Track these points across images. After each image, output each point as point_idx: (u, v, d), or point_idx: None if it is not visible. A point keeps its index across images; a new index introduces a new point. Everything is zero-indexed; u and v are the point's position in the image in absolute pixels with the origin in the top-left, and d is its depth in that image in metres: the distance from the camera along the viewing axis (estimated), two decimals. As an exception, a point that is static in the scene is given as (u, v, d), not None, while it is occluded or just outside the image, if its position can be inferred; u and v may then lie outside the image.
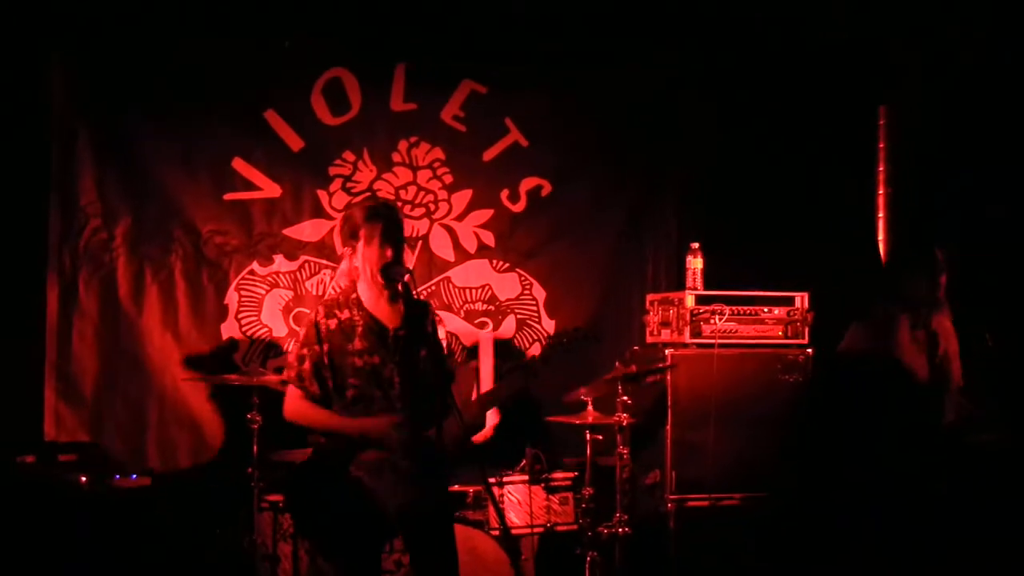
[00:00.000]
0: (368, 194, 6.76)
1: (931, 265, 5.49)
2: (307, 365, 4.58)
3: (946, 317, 5.61)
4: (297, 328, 6.44)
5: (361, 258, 4.58)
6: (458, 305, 7.00)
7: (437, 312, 6.79)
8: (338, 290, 4.81)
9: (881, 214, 7.61)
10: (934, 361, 5.80)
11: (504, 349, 7.01)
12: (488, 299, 7.06)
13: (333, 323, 4.58)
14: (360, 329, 4.58)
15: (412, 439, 4.52)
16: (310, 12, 6.62)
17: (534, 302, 7.14)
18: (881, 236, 7.61)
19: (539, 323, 7.12)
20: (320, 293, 6.62)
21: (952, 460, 5.27)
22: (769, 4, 7.19)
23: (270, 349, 6.63)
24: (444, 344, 6.49)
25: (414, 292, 4.56)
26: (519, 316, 7.11)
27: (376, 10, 6.71)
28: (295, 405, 4.64)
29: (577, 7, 6.95)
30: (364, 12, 6.69)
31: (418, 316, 4.66)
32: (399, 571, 5.44)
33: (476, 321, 7.03)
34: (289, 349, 6.44)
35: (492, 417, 6.27)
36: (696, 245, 6.60)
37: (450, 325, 6.92)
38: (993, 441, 5.42)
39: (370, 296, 4.63)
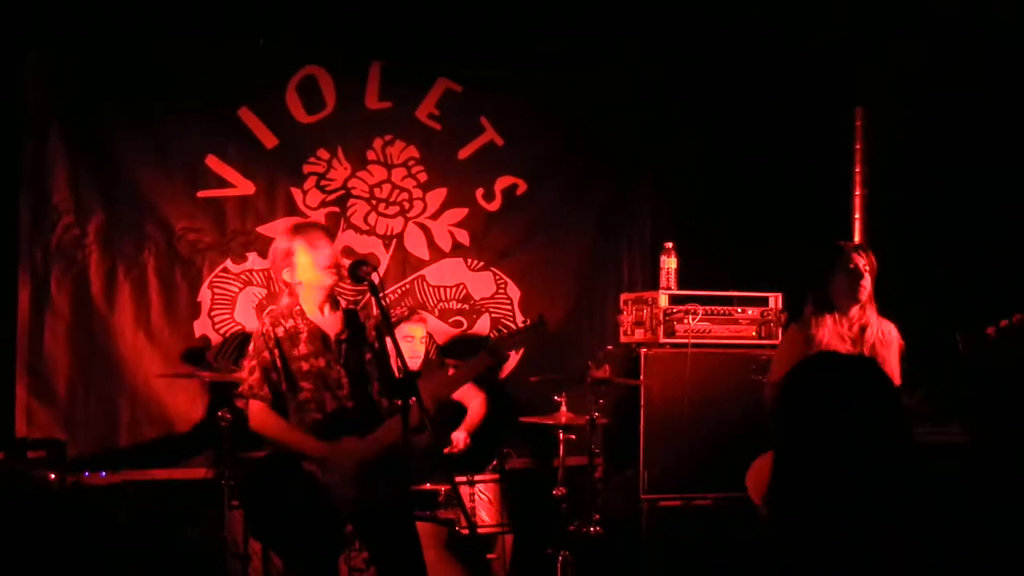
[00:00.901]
0: (321, 197, 6.77)
1: (848, 268, 5.51)
2: (256, 375, 4.73)
3: (872, 317, 5.63)
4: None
5: (298, 271, 4.78)
6: (432, 304, 7.00)
7: (419, 311, 6.76)
8: (280, 305, 4.91)
9: (857, 215, 7.62)
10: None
11: (477, 347, 7.01)
12: (463, 298, 7.06)
13: (280, 331, 4.76)
14: (304, 335, 4.76)
15: (365, 455, 4.64)
16: (284, 10, 6.60)
17: (509, 301, 7.13)
18: (857, 237, 7.62)
19: (513, 322, 7.12)
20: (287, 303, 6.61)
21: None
22: (744, 5, 7.20)
23: (243, 346, 6.57)
24: (422, 345, 6.50)
25: (379, 289, 4.62)
26: (493, 315, 7.11)
27: (351, 8, 6.69)
28: (258, 417, 4.77)
29: (552, 8, 6.94)
30: (339, 10, 6.67)
31: (359, 324, 4.88)
32: (368, 569, 5.43)
33: (451, 320, 7.03)
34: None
35: (461, 434, 6.29)
36: (670, 245, 6.60)
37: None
38: (957, 442, 5.45)
39: (311, 309, 4.81)
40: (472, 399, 6.46)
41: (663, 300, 6.39)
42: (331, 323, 4.81)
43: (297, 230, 4.86)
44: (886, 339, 5.56)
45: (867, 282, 5.47)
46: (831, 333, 5.43)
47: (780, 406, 2.35)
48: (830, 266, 5.52)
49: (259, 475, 4.87)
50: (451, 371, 5.62)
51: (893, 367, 5.54)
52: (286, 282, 4.81)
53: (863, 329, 5.47)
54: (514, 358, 7.03)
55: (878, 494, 2.22)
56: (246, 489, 5.28)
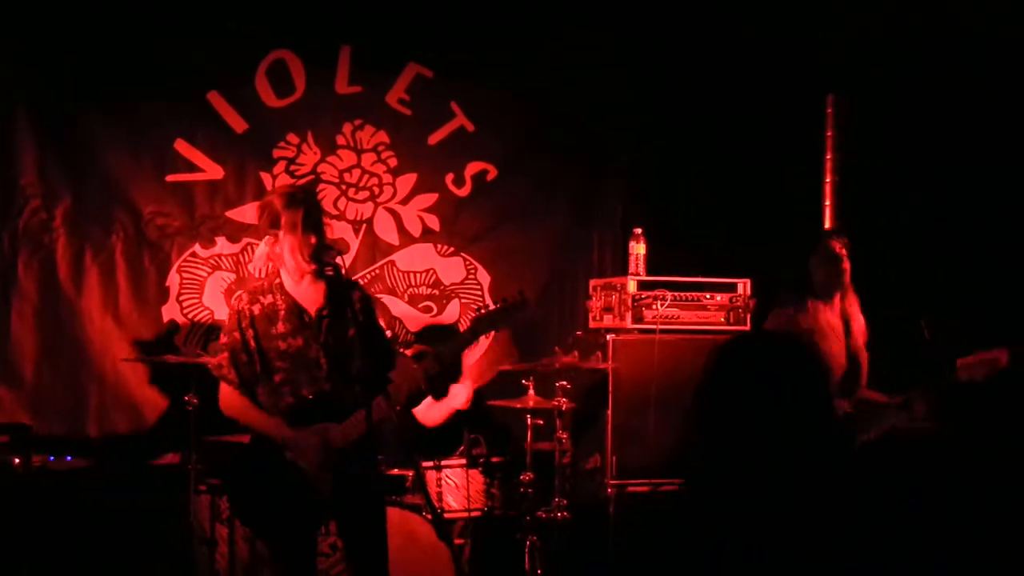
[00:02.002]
0: (292, 182, 6.70)
1: (829, 256, 5.53)
2: (224, 355, 4.66)
3: (854, 304, 5.65)
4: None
5: (284, 245, 4.59)
6: (402, 289, 6.99)
7: (379, 296, 6.79)
8: (261, 276, 4.83)
9: (827, 202, 7.64)
10: (849, 350, 5.88)
11: (447, 335, 7.02)
12: (432, 283, 7.05)
13: (257, 308, 4.64)
14: (283, 312, 4.63)
15: (330, 445, 4.55)
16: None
17: (479, 286, 7.13)
18: (827, 224, 7.63)
19: (483, 307, 7.10)
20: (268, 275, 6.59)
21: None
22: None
23: (211, 331, 6.58)
24: (389, 325, 6.50)
25: (344, 272, 4.59)
26: (463, 300, 7.11)
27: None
28: (227, 400, 4.72)
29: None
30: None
31: (343, 297, 4.70)
32: (335, 554, 5.43)
33: (420, 305, 7.02)
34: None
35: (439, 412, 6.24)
36: (639, 231, 6.60)
37: (394, 309, 6.91)
38: (924, 432, 5.46)
39: (293, 281, 4.66)
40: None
41: (631, 286, 6.38)
42: (312, 297, 4.66)
43: (292, 202, 4.60)
44: (859, 328, 5.61)
45: (847, 266, 5.51)
46: (816, 321, 5.45)
47: (706, 383, 2.35)
48: (812, 252, 5.55)
49: (243, 461, 4.80)
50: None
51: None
52: (267, 244, 4.63)
53: (848, 321, 5.49)
54: (484, 342, 7.02)
55: (799, 476, 2.23)
56: (230, 475, 5.20)
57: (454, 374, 5.58)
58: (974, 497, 2.48)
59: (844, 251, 5.51)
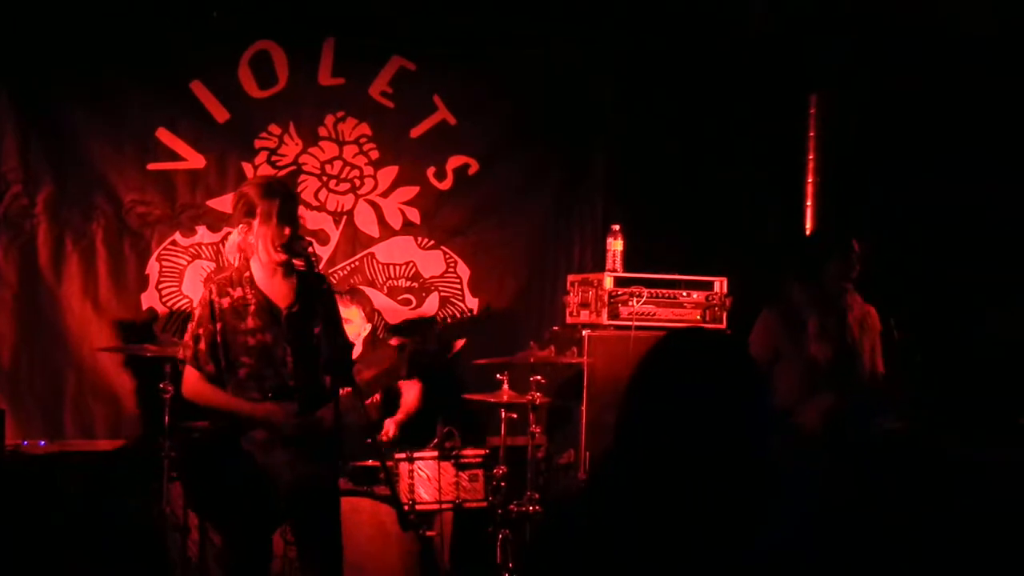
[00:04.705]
0: (273, 172, 6.70)
1: (847, 255, 5.55)
2: (203, 345, 4.61)
3: (858, 303, 5.67)
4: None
5: (257, 236, 4.57)
6: (382, 281, 7.01)
7: (362, 288, 6.81)
8: (231, 266, 4.82)
9: (809, 202, 7.66)
10: (843, 347, 5.87)
11: (425, 327, 7.06)
12: (412, 276, 7.07)
13: (226, 302, 4.60)
14: (252, 308, 4.59)
15: (303, 422, 4.55)
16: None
17: (458, 280, 7.15)
18: (808, 224, 7.66)
19: (463, 301, 7.15)
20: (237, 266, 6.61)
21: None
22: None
23: (190, 320, 6.59)
24: (370, 316, 6.53)
25: (315, 263, 4.58)
26: (443, 294, 7.13)
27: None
28: (192, 385, 4.68)
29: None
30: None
31: (312, 291, 4.67)
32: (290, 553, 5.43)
33: (399, 298, 7.04)
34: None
35: (391, 424, 6.31)
36: (617, 227, 6.63)
37: (374, 301, 6.92)
38: (901, 430, 5.50)
39: (263, 274, 4.64)
40: (408, 389, 6.47)
41: (608, 282, 6.41)
42: (282, 292, 4.63)
43: (269, 193, 4.58)
44: (868, 324, 5.62)
45: (859, 267, 5.55)
46: (814, 320, 5.46)
47: (634, 383, 2.37)
48: (827, 251, 5.56)
49: (198, 450, 4.82)
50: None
51: (877, 352, 5.61)
52: (241, 233, 4.64)
53: (844, 316, 5.51)
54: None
55: (724, 478, 2.24)
56: (185, 462, 5.25)
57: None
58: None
59: (859, 257, 5.54)
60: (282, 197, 4.59)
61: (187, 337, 4.70)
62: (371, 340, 6.49)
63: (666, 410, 2.28)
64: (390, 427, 6.27)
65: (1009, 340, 6.88)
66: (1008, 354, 6.77)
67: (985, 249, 7.17)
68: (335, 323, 4.77)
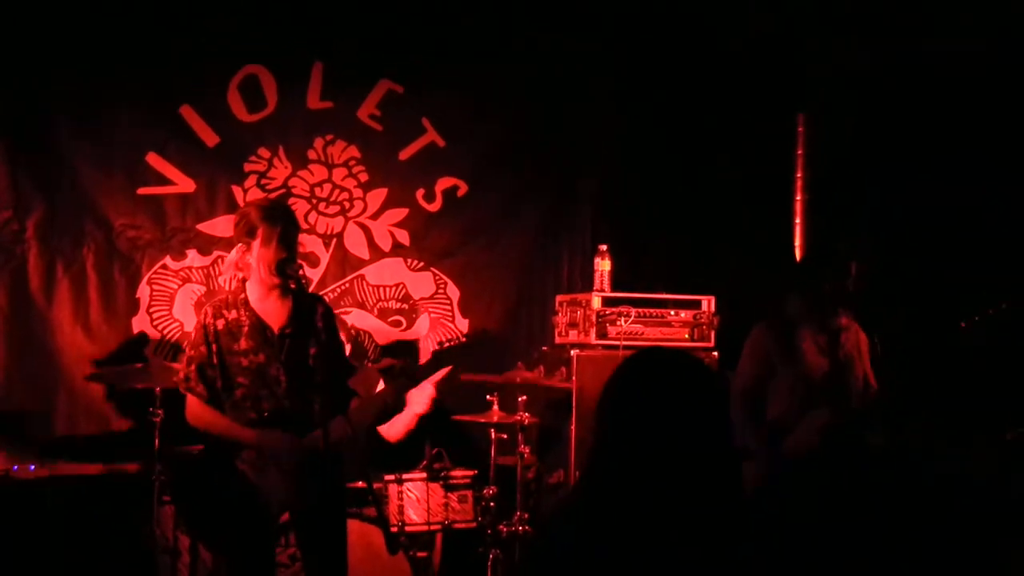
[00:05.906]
0: (265, 195, 6.74)
1: (843, 272, 5.57)
2: (192, 368, 4.68)
3: (850, 320, 5.69)
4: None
5: (256, 257, 4.66)
6: (372, 303, 7.04)
7: (349, 310, 6.85)
8: (223, 288, 4.88)
9: (798, 220, 7.71)
10: (837, 363, 5.89)
11: (416, 349, 7.08)
12: (402, 297, 7.10)
13: (221, 323, 4.68)
14: (246, 329, 4.67)
15: (304, 446, 4.60)
16: (227, 8, 6.64)
17: (448, 301, 7.18)
18: (798, 242, 7.70)
19: (452, 322, 7.18)
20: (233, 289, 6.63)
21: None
22: (689, 9, 7.28)
23: (181, 343, 6.63)
24: (350, 338, 6.56)
25: (305, 284, 4.64)
26: (433, 315, 7.16)
27: (294, 8, 6.75)
28: (194, 411, 4.75)
29: (495, 5, 7.06)
30: (281, 10, 6.73)
31: (308, 313, 4.73)
32: (294, 565, 5.47)
33: (389, 319, 7.07)
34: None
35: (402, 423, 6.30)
36: (604, 247, 6.66)
37: (364, 323, 6.96)
38: (881, 444, 5.51)
39: (258, 296, 4.72)
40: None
41: (596, 302, 6.44)
42: (277, 314, 4.72)
43: (271, 217, 4.70)
44: (858, 340, 5.64)
45: (853, 287, 5.55)
46: (808, 337, 5.47)
47: (604, 400, 2.41)
48: (824, 268, 5.58)
49: (191, 471, 4.86)
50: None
51: (866, 369, 5.63)
52: (238, 252, 4.71)
53: (837, 333, 5.52)
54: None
55: (692, 497, 2.27)
56: (178, 482, 5.27)
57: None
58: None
59: (855, 276, 5.55)
60: (284, 223, 4.71)
61: (182, 362, 4.78)
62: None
63: (630, 426, 2.32)
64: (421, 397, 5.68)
65: (998, 347, 6.89)
66: (997, 362, 6.76)
67: (979, 257, 7.17)
68: (334, 345, 4.85)
